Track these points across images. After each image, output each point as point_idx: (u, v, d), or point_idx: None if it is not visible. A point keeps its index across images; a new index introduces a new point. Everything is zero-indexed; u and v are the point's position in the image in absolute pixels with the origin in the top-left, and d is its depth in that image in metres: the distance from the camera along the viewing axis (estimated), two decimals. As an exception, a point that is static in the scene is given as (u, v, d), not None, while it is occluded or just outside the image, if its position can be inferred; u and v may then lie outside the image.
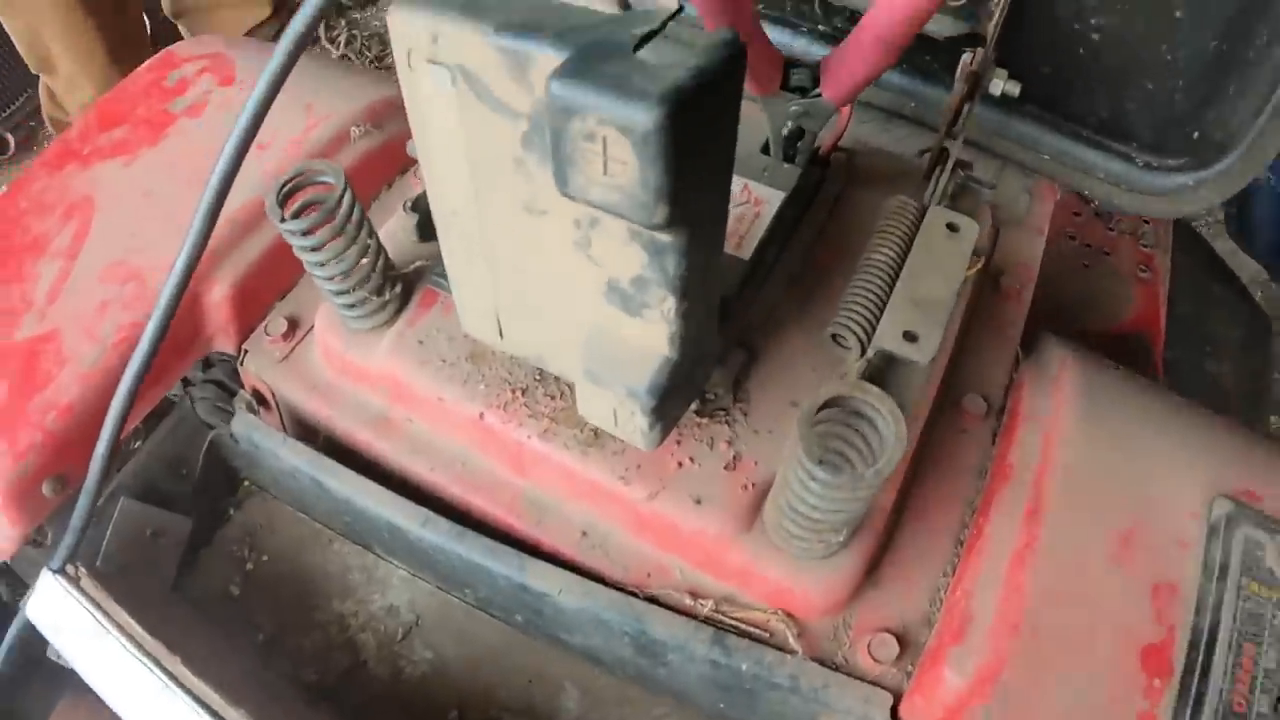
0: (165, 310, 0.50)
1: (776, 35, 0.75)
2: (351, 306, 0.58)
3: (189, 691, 0.54)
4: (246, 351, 0.66)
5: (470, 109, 0.41)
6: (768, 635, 0.53)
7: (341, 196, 0.53)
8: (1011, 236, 0.73)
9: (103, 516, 0.66)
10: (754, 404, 0.56)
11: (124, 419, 0.53)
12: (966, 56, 0.62)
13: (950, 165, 0.63)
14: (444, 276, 0.55)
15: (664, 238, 0.39)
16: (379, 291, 0.58)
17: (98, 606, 0.59)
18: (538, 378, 0.57)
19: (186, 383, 0.72)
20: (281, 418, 0.66)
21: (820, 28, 0.74)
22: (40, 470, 0.62)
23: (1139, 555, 0.53)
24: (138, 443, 0.70)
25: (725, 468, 0.53)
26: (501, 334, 0.54)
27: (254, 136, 0.45)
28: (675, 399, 0.48)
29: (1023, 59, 0.66)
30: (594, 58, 0.36)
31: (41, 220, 0.73)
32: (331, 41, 1.75)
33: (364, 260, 0.56)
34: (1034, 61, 0.67)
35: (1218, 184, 0.69)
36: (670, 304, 0.43)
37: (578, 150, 0.36)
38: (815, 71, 0.57)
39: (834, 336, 0.54)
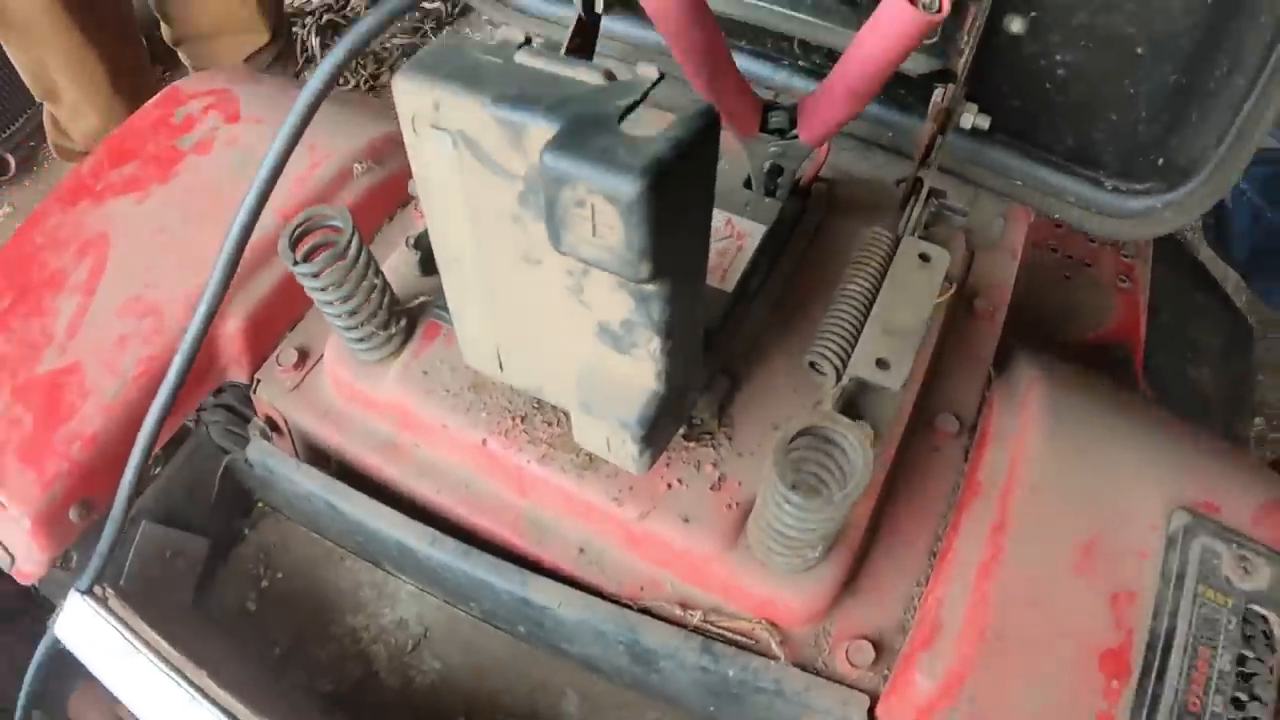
0: (188, 352, 0.54)
1: (759, 68, 0.80)
2: (360, 340, 0.63)
3: (215, 703, 0.58)
4: (259, 381, 0.71)
5: (470, 170, 0.46)
6: (753, 643, 0.58)
7: (350, 240, 0.58)
8: (986, 259, 0.77)
9: (125, 539, 0.71)
10: (738, 428, 0.60)
11: (149, 451, 0.57)
12: (938, 93, 0.67)
13: (924, 195, 0.68)
14: (446, 310, 0.60)
15: (649, 288, 0.44)
16: (385, 326, 0.63)
17: (125, 625, 0.63)
18: (536, 406, 0.62)
19: (198, 408, 0.77)
20: (294, 443, 0.71)
21: (800, 63, 0.78)
22: (67, 497, 0.67)
23: (1100, 565, 0.58)
24: (157, 469, 0.74)
25: (711, 488, 0.58)
26: (501, 366, 0.58)
27: (271, 189, 0.50)
28: (663, 427, 0.53)
29: (993, 93, 0.71)
30: (582, 130, 0.40)
31: (58, 256, 0.78)
32: (327, 59, 1.78)
33: (371, 298, 0.61)
34: (1003, 95, 0.71)
35: (1185, 206, 0.74)
36: (656, 344, 0.47)
37: (569, 214, 0.41)
38: (792, 113, 0.62)
39: (811, 364, 0.59)
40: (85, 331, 0.71)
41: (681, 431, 0.60)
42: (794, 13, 0.71)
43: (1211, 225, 1.18)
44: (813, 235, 0.69)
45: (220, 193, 0.76)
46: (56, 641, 0.67)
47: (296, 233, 0.59)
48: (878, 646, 0.57)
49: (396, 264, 0.69)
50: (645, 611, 0.59)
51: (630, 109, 0.41)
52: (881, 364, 0.57)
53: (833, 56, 0.74)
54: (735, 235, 0.65)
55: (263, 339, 0.72)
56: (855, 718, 0.55)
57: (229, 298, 0.71)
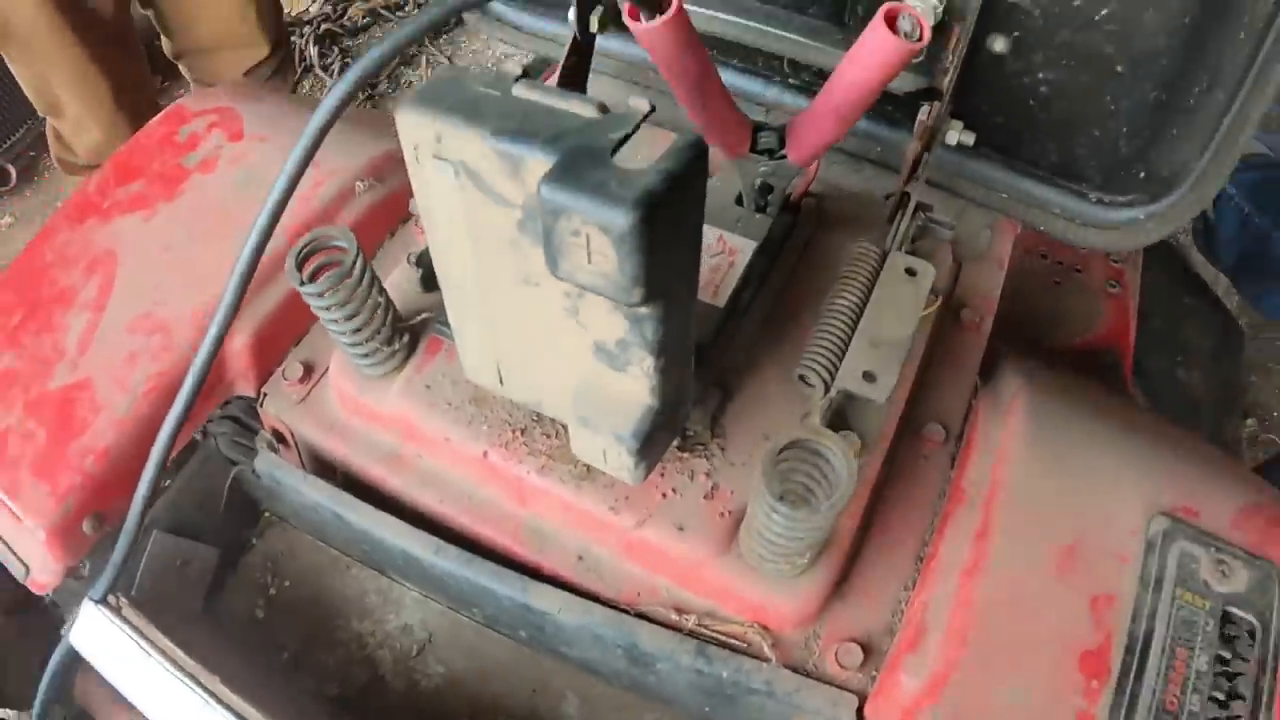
0: (200, 371, 0.57)
1: (750, 85, 0.82)
2: (364, 356, 0.66)
3: (228, 707, 0.61)
4: (266, 395, 0.74)
5: (471, 198, 0.49)
6: (745, 646, 0.60)
7: (354, 261, 0.60)
8: (973, 270, 0.80)
9: (137, 549, 0.73)
10: (730, 438, 0.63)
11: (163, 465, 0.60)
12: (924, 111, 0.69)
13: (911, 210, 0.70)
14: (447, 326, 0.63)
15: (642, 310, 0.46)
16: (389, 342, 0.66)
17: (139, 633, 0.66)
18: (535, 419, 0.64)
19: (205, 420, 0.80)
20: (300, 455, 0.74)
21: (790, 81, 0.81)
22: (80, 510, 0.69)
23: (1080, 569, 0.61)
24: (167, 481, 0.77)
25: (704, 497, 0.61)
26: (502, 381, 0.61)
27: (280, 215, 0.52)
28: (658, 439, 0.56)
29: (977, 110, 0.73)
30: (577, 163, 0.43)
31: (67, 273, 0.81)
32: (325, 70, 1.82)
33: (375, 315, 0.63)
34: (987, 112, 0.74)
35: (1168, 217, 0.76)
36: (650, 362, 0.50)
37: (565, 242, 0.43)
38: (781, 134, 0.64)
39: (801, 377, 0.62)
40: (96, 348, 0.74)
41: (676, 442, 0.62)
42: (784, 33, 0.73)
43: (1200, 230, 1.21)
44: (803, 250, 0.72)
45: (225, 211, 0.79)
46: (70, 649, 0.70)
47: (303, 253, 0.61)
48: (866, 648, 0.60)
49: (398, 280, 0.72)
50: (642, 616, 0.62)
51: (623, 141, 0.44)
52: (868, 376, 0.60)
53: (822, 75, 0.77)
54: (727, 251, 0.68)
55: (269, 354, 0.74)
56: (844, 717, 0.58)
57: (237, 315, 0.74)
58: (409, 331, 0.68)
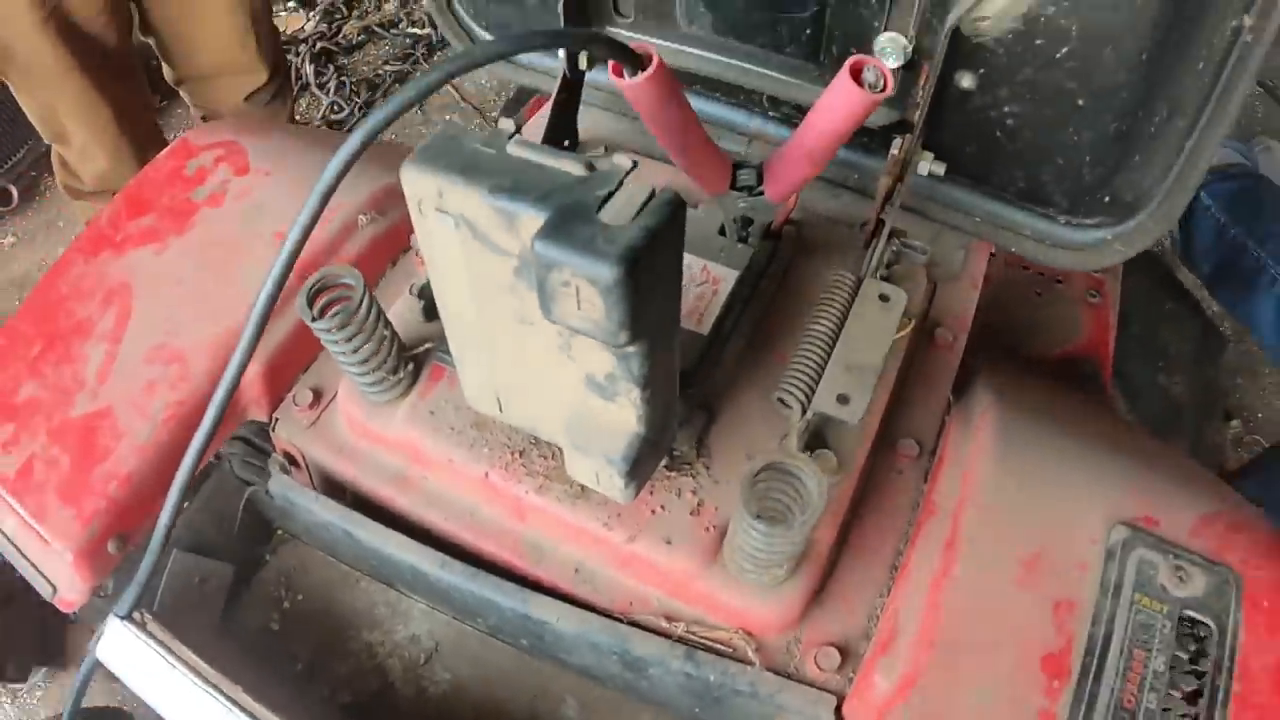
0: (220, 404, 0.62)
1: (733, 115, 0.87)
2: (371, 384, 0.71)
3: (250, 715, 0.67)
4: (278, 419, 0.79)
5: (470, 247, 0.54)
6: (731, 651, 0.66)
7: (361, 298, 0.66)
8: (947, 290, 0.85)
9: (158, 568, 0.79)
10: (714, 458, 0.69)
11: (185, 492, 0.66)
12: (896, 143, 0.75)
13: (885, 237, 0.76)
14: (448, 354, 0.68)
15: (628, 349, 0.52)
16: (394, 371, 0.71)
17: (164, 646, 0.72)
18: (533, 442, 0.70)
19: (219, 442, 0.85)
20: (310, 476, 0.79)
21: (771, 114, 0.86)
22: (105, 532, 0.75)
23: (1042, 577, 0.66)
24: (186, 502, 0.83)
25: (691, 513, 0.66)
26: (501, 408, 0.67)
27: (294, 263, 0.58)
28: (646, 461, 0.61)
29: (947, 141, 0.79)
30: (567, 220, 0.49)
31: (83, 305, 0.86)
32: (321, 88, 1.87)
33: (381, 347, 0.69)
34: (957, 143, 0.79)
35: (1133, 238, 0.81)
36: (636, 394, 0.55)
37: (557, 291, 0.49)
38: (759, 171, 0.70)
39: (780, 400, 0.67)
40: (115, 377, 0.80)
41: (663, 462, 0.68)
42: (764, 70, 0.79)
43: (1179, 240, 1.26)
44: (783, 277, 0.78)
45: (235, 245, 0.85)
46: (97, 663, 0.75)
47: (313, 290, 0.67)
48: (843, 652, 0.66)
49: (401, 310, 0.78)
50: (634, 624, 0.68)
51: (608, 198, 0.49)
52: (842, 399, 0.66)
53: (800, 109, 0.83)
54: (710, 280, 0.74)
55: (279, 381, 0.80)
56: (823, 717, 0.64)
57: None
58: (413, 360, 0.73)
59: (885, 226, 0.76)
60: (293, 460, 0.80)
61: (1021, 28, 0.71)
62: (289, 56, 1.81)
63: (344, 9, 2.04)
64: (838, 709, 0.64)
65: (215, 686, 0.69)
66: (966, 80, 0.75)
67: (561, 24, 0.80)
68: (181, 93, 1.45)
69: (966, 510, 0.68)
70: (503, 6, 0.90)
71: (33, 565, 0.78)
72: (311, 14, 2.00)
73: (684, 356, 0.70)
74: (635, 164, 0.52)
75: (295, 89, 1.67)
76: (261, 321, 0.59)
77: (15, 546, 0.80)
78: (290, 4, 2.04)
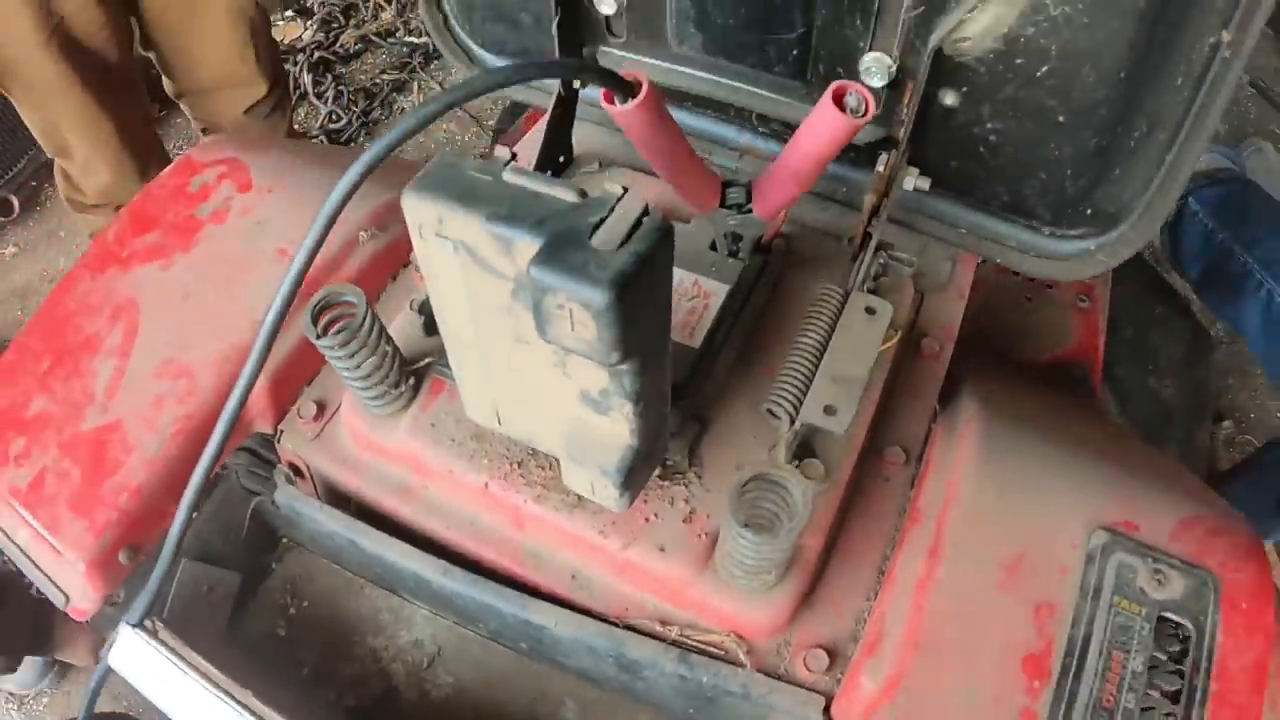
0: (229, 419, 0.65)
1: (725, 131, 0.90)
2: (373, 397, 0.74)
3: (259, 719, 0.70)
4: (283, 432, 0.82)
5: (469, 270, 0.57)
6: (723, 653, 0.69)
7: (364, 316, 0.69)
8: (934, 301, 0.88)
9: (167, 576, 0.82)
10: (706, 467, 0.72)
11: (195, 504, 0.69)
12: (880, 161, 0.78)
13: (872, 251, 0.79)
14: (448, 368, 0.71)
15: (620, 368, 0.55)
16: (396, 385, 0.74)
17: (175, 653, 0.75)
18: (530, 453, 0.73)
19: (225, 453, 0.88)
20: (315, 486, 0.82)
21: (760, 130, 0.89)
22: (117, 543, 0.78)
23: (1023, 581, 0.69)
24: (194, 512, 0.86)
25: (683, 521, 0.69)
26: (499, 420, 0.70)
27: (298, 289, 0.61)
28: (639, 471, 0.64)
29: (932, 157, 0.82)
30: (560, 246, 0.51)
31: (91, 321, 0.89)
32: (319, 97, 1.90)
33: (383, 362, 0.72)
34: (941, 159, 0.82)
35: (1116, 248, 0.84)
36: (629, 409, 0.58)
37: (551, 313, 0.52)
38: (748, 190, 0.73)
39: (769, 411, 0.70)
40: (124, 392, 0.83)
41: (657, 472, 0.71)
42: (753, 89, 0.82)
43: (1167, 244, 1.29)
44: (773, 290, 0.81)
45: (239, 261, 0.88)
46: (109, 670, 0.79)
47: (317, 308, 0.70)
48: (832, 654, 0.69)
49: (402, 325, 0.81)
50: (630, 628, 0.71)
51: (599, 224, 0.52)
52: (829, 410, 0.69)
53: (789, 125, 0.86)
54: (702, 295, 0.77)
55: (284, 394, 0.83)
56: (813, 717, 0.67)
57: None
58: (414, 374, 0.76)
59: (872, 241, 0.79)
60: (298, 471, 0.83)
61: (1002, 48, 0.74)
62: (287, 66, 1.84)
63: (341, 18, 2.07)
64: (826, 709, 0.67)
65: (225, 691, 0.72)
66: (950, 98, 0.78)
67: (555, 43, 0.83)
68: (182, 105, 1.48)
69: (950, 516, 0.71)
70: (498, 25, 0.93)
71: (46, 575, 0.81)
72: (309, 23, 2.03)
73: (676, 369, 0.73)
74: (625, 190, 0.55)
75: (294, 98, 1.70)
76: (267, 345, 0.63)
77: (28, 557, 0.83)
78: (288, 13, 2.07)
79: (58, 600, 0.81)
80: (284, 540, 0.88)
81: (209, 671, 0.73)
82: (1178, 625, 0.68)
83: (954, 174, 0.83)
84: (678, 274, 0.79)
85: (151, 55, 1.38)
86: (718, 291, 0.77)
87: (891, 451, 0.77)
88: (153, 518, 0.79)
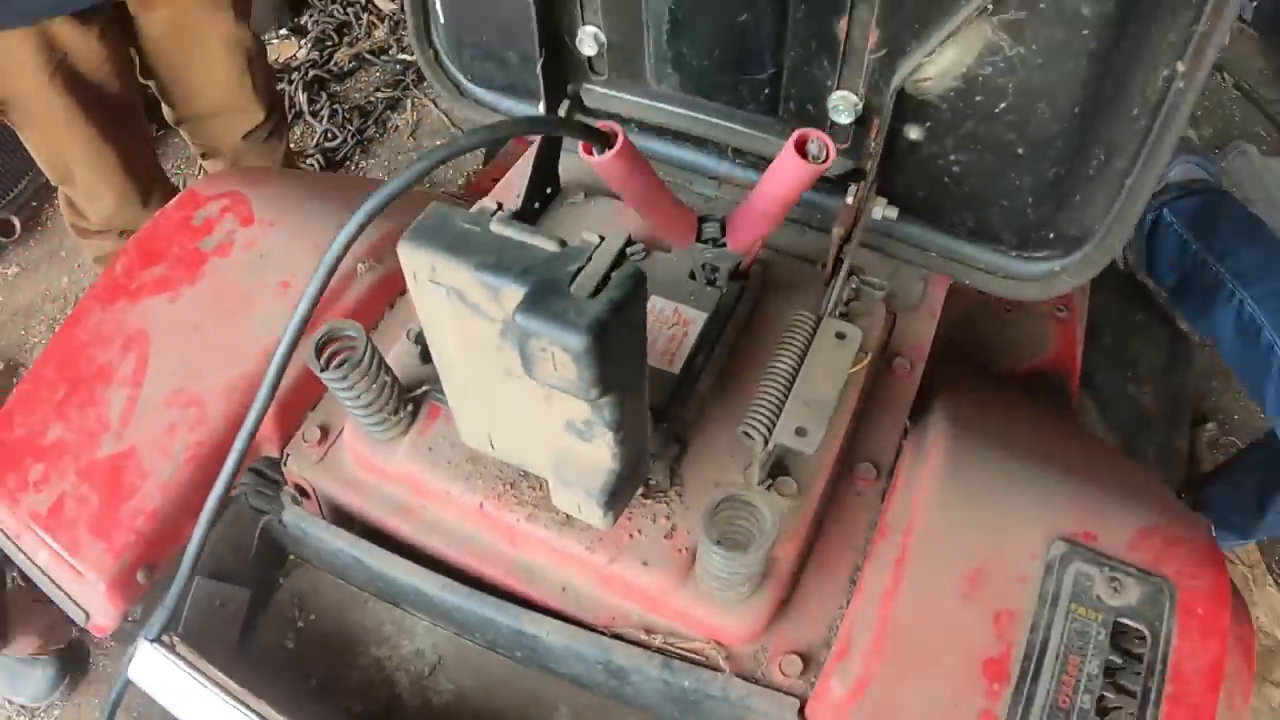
0: (240, 451, 0.72)
1: (704, 160, 0.96)
2: (374, 424, 0.81)
3: (273, 727, 0.77)
4: (289, 455, 0.89)
5: (461, 312, 0.63)
6: (704, 659, 0.75)
7: (364, 350, 0.75)
8: (906, 320, 0.94)
9: (183, 594, 0.89)
10: (686, 486, 0.78)
11: (211, 527, 0.75)
12: (850, 193, 0.84)
13: (842, 279, 0.85)
14: (443, 394, 0.77)
15: (600, 401, 0.61)
16: (395, 412, 0.81)
17: (191, 666, 0.82)
18: (522, 475, 0.79)
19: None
20: (320, 506, 0.89)
21: (736, 160, 0.95)
22: (135, 563, 0.85)
23: (984, 590, 0.75)
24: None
25: (665, 537, 0.76)
26: (492, 445, 0.76)
27: (304, 329, 0.67)
28: (622, 492, 0.71)
29: (899, 187, 0.88)
30: (543, 294, 0.58)
31: (104, 351, 0.96)
32: (314, 116, 1.96)
33: (382, 391, 0.78)
34: (908, 188, 0.88)
35: (1080, 269, 0.90)
36: (610, 437, 0.65)
37: (535, 355, 0.58)
38: (722, 224, 0.79)
39: (744, 433, 0.77)
40: (137, 420, 0.89)
41: (640, 491, 0.77)
42: (729, 124, 0.88)
43: (1143, 253, 1.35)
44: (749, 317, 0.87)
45: (244, 294, 0.94)
46: (128, 683, 0.85)
47: (320, 343, 0.77)
48: (806, 659, 0.75)
49: (399, 353, 0.87)
50: (617, 637, 0.77)
51: (577, 273, 0.59)
52: (800, 431, 0.75)
53: (764, 157, 0.92)
54: (681, 323, 0.83)
55: (289, 419, 0.90)
56: (788, 718, 0.73)
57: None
58: (412, 401, 0.83)
59: (842, 268, 0.85)
60: (303, 492, 0.89)
61: (962, 86, 0.80)
62: (282, 85, 1.90)
63: (335, 36, 2.13)
64: (801, 711, 0.73)
65: (240, 701, 0.78)
66: (914, 132, 0.84)
67: (541, 82, 0.89)
68: (180, 131, 1.55)
69: (915, 529, 0.77)
70: (486, 63, 0.99)
71: (66, 594, 0.88)
72: (303, 42, 2.09)
73: (657, 394, 0.79)
74: (602, 238, 0.61)
75: (289, 117, 1.76)
76: (275, 383, 0.69)
77: (49, 577, 0.89)
78: (282, 31, 2.13)
79: (78, 618, 0.88)
80: (291, 557, 0.95)
81: (224, 683, 0.80)
82: (1133, 630, 0.74)
83: (921, 203, 0.89)
84: (659, 302, 0.85)
85: (151, 84, 1.45)
86: (697, 319, 0.83)
87: (863, 468, 0.83)
88: (168, 539, 0.86)
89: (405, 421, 0.82)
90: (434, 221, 0.63)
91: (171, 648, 0.82)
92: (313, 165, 1.97)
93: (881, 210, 0.86)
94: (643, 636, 0.77)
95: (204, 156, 1.59)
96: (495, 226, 0.63)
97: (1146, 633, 0.74)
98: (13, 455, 0.92)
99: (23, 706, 1.68)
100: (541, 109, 0.92)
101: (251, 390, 0.89)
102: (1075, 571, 0.77)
